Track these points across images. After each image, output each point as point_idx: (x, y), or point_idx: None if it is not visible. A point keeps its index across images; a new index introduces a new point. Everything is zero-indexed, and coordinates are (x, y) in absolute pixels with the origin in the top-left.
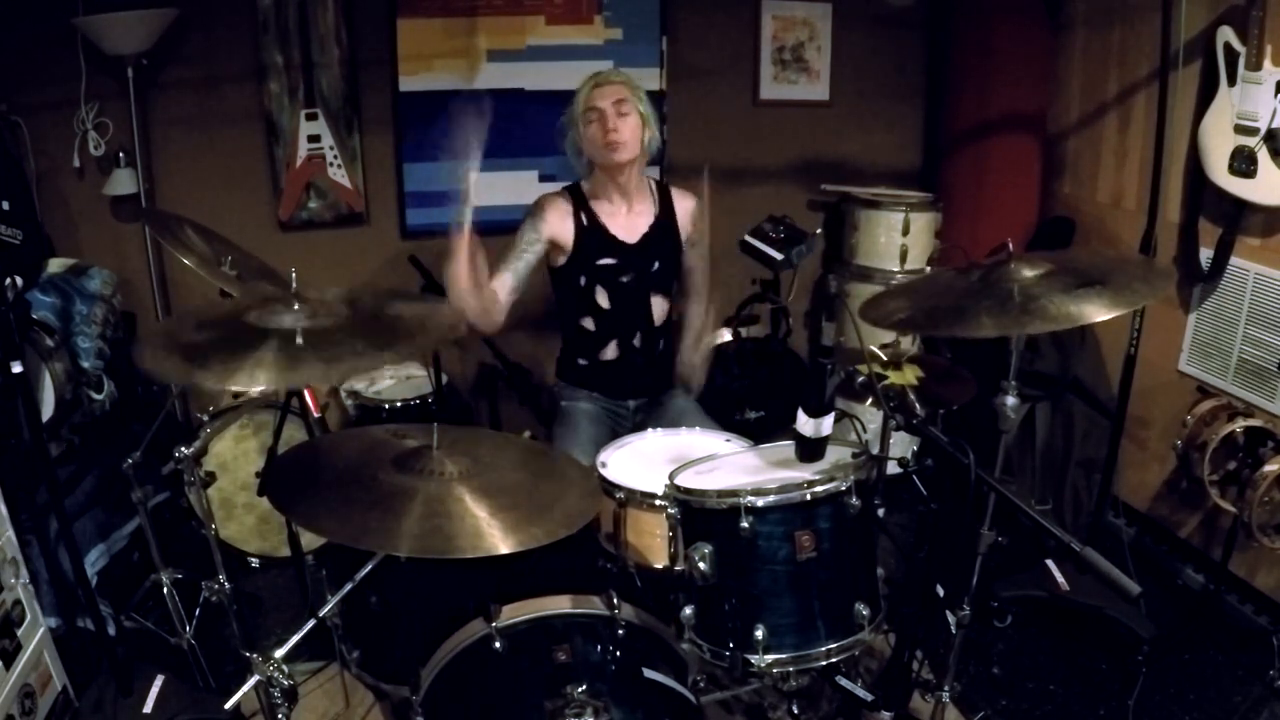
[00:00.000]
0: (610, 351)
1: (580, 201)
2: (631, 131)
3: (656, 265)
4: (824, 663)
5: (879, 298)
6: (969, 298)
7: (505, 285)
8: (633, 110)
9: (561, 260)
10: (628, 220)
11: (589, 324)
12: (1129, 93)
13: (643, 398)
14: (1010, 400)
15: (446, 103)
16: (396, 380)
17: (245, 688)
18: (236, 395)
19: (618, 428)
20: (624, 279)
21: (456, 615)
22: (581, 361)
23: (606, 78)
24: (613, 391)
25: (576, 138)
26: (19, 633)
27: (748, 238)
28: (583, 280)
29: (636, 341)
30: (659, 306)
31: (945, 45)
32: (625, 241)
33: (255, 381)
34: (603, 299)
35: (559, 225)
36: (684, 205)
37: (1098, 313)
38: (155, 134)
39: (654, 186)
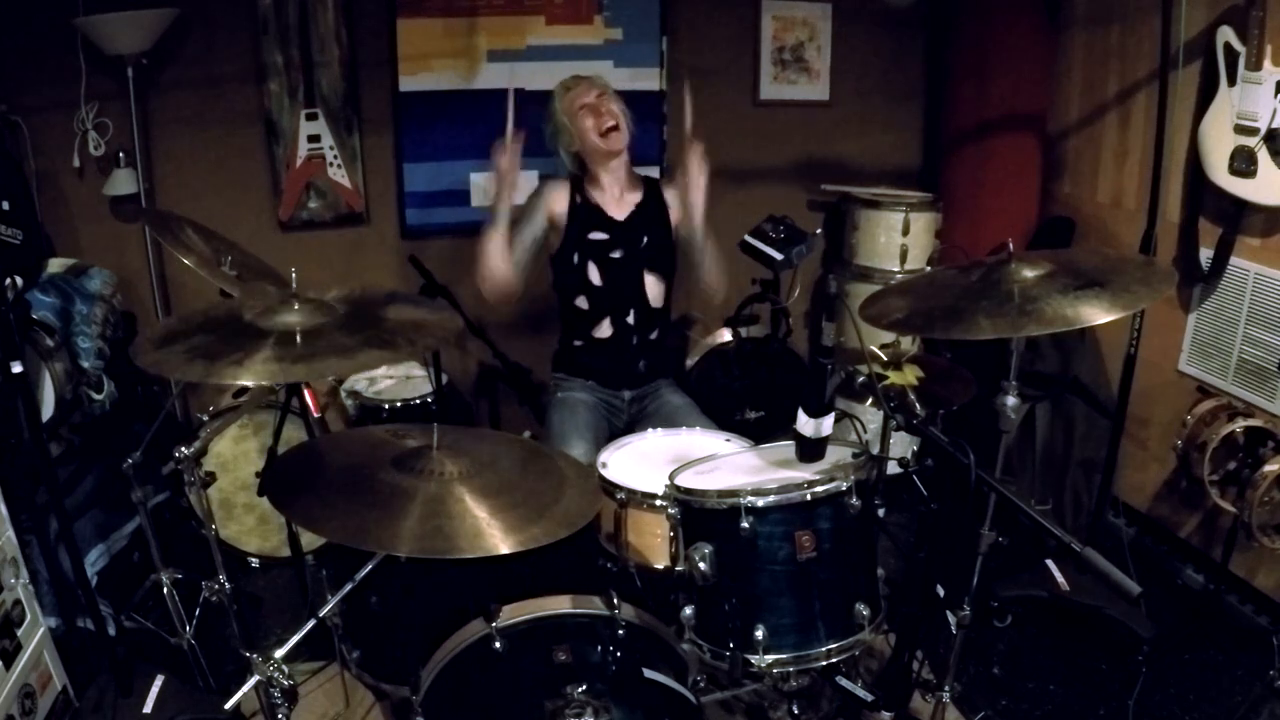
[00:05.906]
0: (604, 329)
1: (577, 185)
2: (621, 116)
3: (646, 240)
4: (824, 663)
5: (878, 295)
6: (968, 299)
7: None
8: (614, 99)
9: (558, 242)
10: (618, 201)
11: (583, 302)
12: (1129, 93)
13: (637, 388)
14: (1010, 400)
15: (446, 103)
16: (396, 380)
17: (245, 688)
18: (237, 395)
19: (613, 419)
20: (614, 254)
21: (456, 615)
22: (577, 342)
23: (576, 80)
24: (607, 379)
25: (569, 141)
26: (19, 633)
27: (748, 238)
28: (575, 257)
29: (630, 319)
30: (653, 286)
31: (945, 45)
32: (614, 218)
33: (252, 376)
34: (594, 275)
35: (557, 202)
36: (673, 195)
37: (1098, 315)
38: (155, 134)
39: (645, 182)
